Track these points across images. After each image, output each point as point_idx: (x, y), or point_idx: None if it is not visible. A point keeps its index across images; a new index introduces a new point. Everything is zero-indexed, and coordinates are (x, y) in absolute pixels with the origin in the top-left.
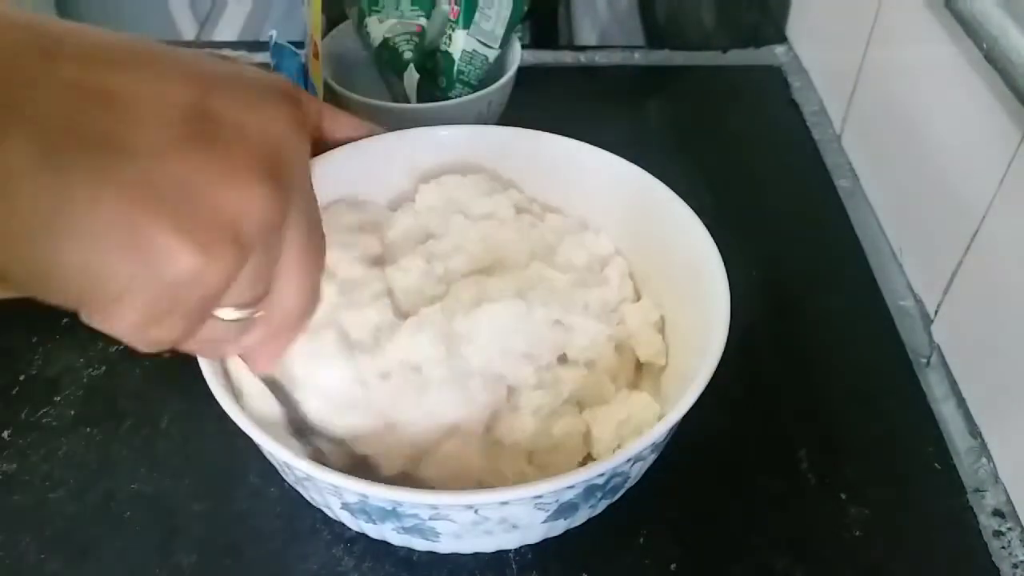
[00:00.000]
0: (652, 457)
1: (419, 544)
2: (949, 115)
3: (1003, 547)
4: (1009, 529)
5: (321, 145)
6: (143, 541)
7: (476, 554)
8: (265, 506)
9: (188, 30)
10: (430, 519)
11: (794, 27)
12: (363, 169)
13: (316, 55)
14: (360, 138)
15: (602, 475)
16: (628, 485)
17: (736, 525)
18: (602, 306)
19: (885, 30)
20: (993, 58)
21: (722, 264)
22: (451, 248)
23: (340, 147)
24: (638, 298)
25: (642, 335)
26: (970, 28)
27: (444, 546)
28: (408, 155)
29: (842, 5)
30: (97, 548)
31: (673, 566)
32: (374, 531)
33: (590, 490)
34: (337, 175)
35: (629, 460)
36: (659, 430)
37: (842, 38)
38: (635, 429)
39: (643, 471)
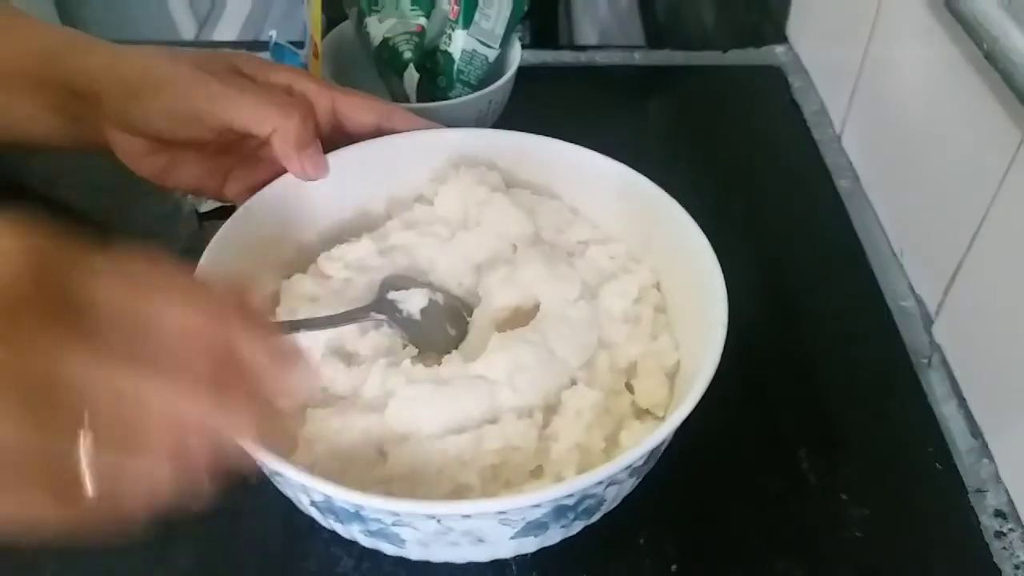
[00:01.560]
0: (632, 481)
1: (388, 548)
2: (950, 115)
3: (1004, 548)
4: (1011, 530)
5: (342, 132)
6: (143, 541)
7: None
8: (264, 505)
9: (188, 30)
10: (393, 525)
11: (794, 27)
12: (373, 172)
13: (316, 55)
14: (373, 123)
15: (570, 496)
16: (605, 509)
17: (736, 525)
18: (609, 367)
19: (885, 30)
20: (994, 58)
21: (724, 291)
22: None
23: (350, 147)
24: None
25: (648, 382)
26: (970, 28)
27: (412, 553)
28: (425, 157)
29: (842, 5)
30: (97, 547)
31: (673, 567)
32: (343, 531)
33: (560, 510)
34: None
35: (601, 483)
36: (630, 456)
37: (842, 38)
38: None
39: (621, 495)
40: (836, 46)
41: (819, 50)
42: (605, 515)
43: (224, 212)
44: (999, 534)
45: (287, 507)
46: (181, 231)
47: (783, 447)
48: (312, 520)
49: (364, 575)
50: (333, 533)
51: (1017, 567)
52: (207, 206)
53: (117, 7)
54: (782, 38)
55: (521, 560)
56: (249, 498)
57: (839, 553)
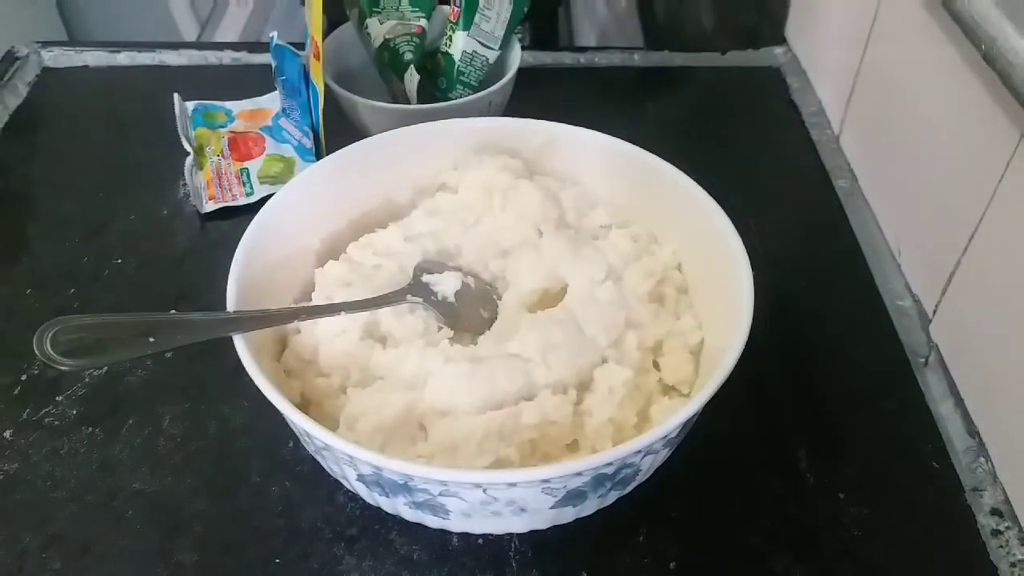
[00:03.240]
0: (665, 452)
1: (431, 521)
2: (947, 116)
3: (1001, 546)
4: (1007, 528)
5: None
6: (144, 540)
7: (476, 552)
8: (266, 505)
9: (189, 32)
10: (440, 495)
11: (793, 28)
12: (397, 162)
13: (317, 56)
14: None
15: (610, 464)
16: (639, 479)
17: (735, 524)
18: (637, 345)
19: (883, 31)
20: (991, 59)
21: (749, 270)
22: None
23: (373, 138)
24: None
25: (674, 360)
26: (968, 29)
27: (455, 524)
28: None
29: (840, 6)
30: (99, 547)
31: (672, 565)
32: (388, 505)
33: (599, 479)
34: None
35: (639, 452)
36: (667, 427)
37: (841, 39)
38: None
39: (654, 466)
40: (834, 47)
41: (817, 51)
42: (605, 513)
43: (226, 213)
44: (996, 532)
45: (289, 506)
46: (181, 231)
47: (781, 447)
48: (314, 520)
49: (364, 574)
50: (335, 532)
51: (1013, 565)
52: (208, 207)
53: (118, 7)
54: (780, 39)
55: (521, 559)
56: (251, 497)
57: (838, 552)
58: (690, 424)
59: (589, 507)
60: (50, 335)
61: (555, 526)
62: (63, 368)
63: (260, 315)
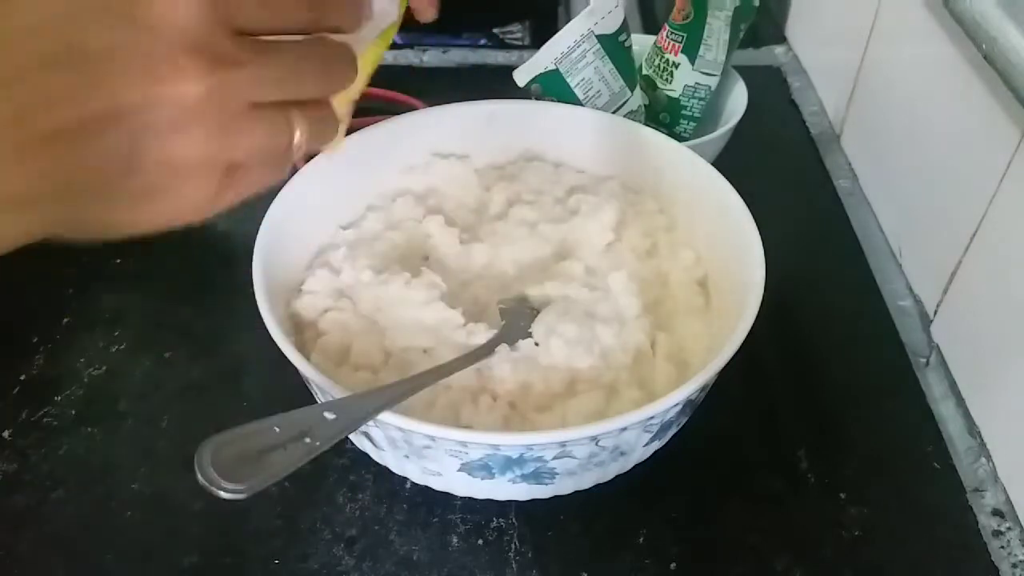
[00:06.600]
0: (701, 395)
1: (526, 492)
2: (948, 115)
3: (1002, 547)
4: (1008, 528)
5: None
6: (143, 541)
7: (476, 552)
8: (265, 506)
9: None
10: (554, 459)
11: (793, 27)
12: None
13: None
14: None
15: (698, 390)
16: (676, 428)
17: (736, 525)
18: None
19: (884, 30)
20: (992, 58)
21: (750, 216)
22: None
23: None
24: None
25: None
26: (969, 29)
27: (557, 487)
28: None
29: (841, 6)
30: (97, 548)
31: (673, 565)
32: (487, 487)
33: (685, 407)
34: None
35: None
36: (739, 335)
37: (841, 38)
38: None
39: (679, 425)
40: (835, 47)
41: (818, 51)
42: (604, 515)
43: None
44: (997, 533)
45: (288, 507)
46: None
47: (782, 447)
48: (313, 520)
49: (364, 574)
50: (334, 533)
51: (1015, 566)
52: None
53: None
54: (781, 39)
55: (522, 559)
56: (250, 499)
57: (838, 552)
58: (705, 391)
59: (650, 449)
60: (208, 454)
61: (555, 526)
62: (231, 495)
63: (408, 384)
